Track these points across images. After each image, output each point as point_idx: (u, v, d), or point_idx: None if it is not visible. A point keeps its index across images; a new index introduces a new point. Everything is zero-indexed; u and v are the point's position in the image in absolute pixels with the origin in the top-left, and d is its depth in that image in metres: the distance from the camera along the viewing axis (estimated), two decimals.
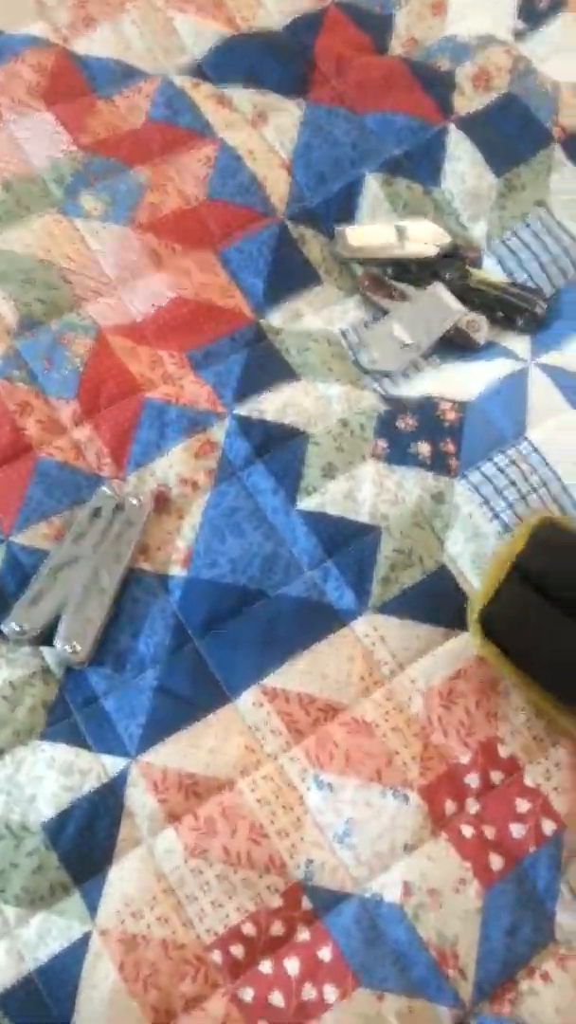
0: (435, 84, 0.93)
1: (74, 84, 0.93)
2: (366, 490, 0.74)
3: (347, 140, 0.90)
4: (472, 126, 0.91)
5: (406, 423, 0.76)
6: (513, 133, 0.91)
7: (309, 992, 0.59)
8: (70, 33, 0.96)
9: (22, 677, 0.67)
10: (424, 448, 0.75)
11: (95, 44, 0.95)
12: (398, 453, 0.75)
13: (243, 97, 0.93)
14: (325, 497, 0.73)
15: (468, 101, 0.93)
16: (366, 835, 0.63)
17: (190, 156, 0.89)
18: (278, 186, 0.88)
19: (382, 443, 0.76)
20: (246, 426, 0.77)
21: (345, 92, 0.93)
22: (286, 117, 0.92)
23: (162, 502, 0.74)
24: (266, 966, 0.60)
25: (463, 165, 0.89)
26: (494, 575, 0.68)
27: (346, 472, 0.75)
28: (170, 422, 0.77)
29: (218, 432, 0.77)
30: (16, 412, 0.76)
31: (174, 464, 0.75)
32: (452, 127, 0.91)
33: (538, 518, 0.71)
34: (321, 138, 0.90)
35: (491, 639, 0.67)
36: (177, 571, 0.71)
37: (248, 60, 0.95)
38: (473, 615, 0.68)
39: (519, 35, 0.97)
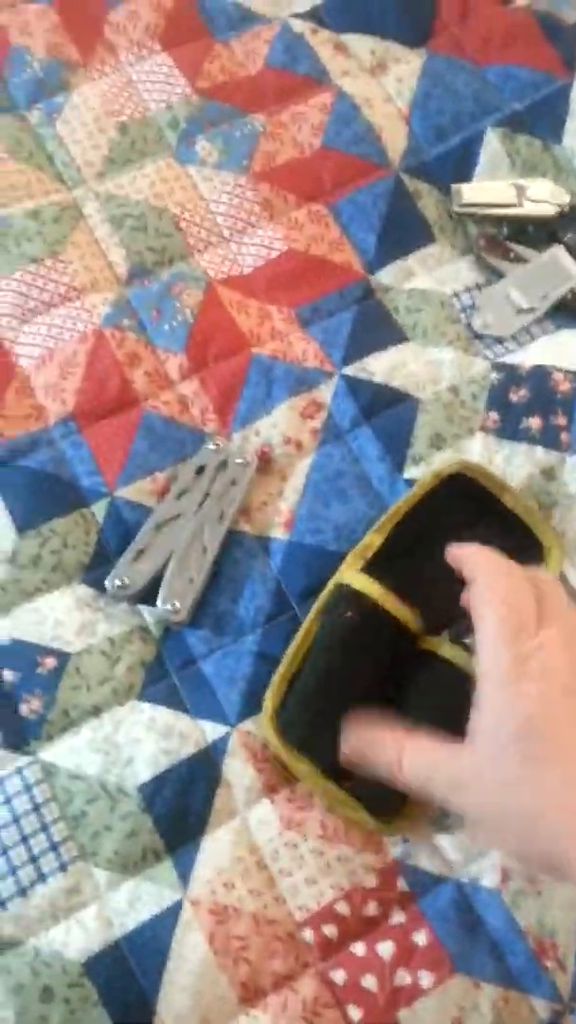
0: (560, 37, 0.83)
1: (193, 27, 0.84)
2: None
3: (468, 92, 0.80)
4: None
5: (519, 395, 0.68)
6: None
7: (403, 977, 0.53)
8: None
9: (121, 634, 0.61)
10: (535, 422, 0.67)
11: None
12: (509, 427, 0.67)
13: (362, 45, 0.83)
14: (432, 468, 0.66)
15: None
16: None
17: (306, 104, 0.80)
18: (395, 138, 0.79)
19: (494, 415, 0.68)
20: (354, 386, 0.69)
21: (467, 42, 0.83)
22: (406, 67, 0.82)
23: (265, 462, 0.67)
24: (359, 948, 0.54)
25: None
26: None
27: (454, 444, 0.67)
28: (277, 379, 0.69)
29: (325, 392, 0.69)
30: (125, 363, 0.69)
31: (279, 423, 0.68)
32: None
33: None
34: (441, 89, 0.80)
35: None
36: (279, 534, 0.64)
37: (368, 7, 0.84)
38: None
39: None
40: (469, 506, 0.64)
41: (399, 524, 0.63)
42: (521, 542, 0.63)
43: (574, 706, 0.46)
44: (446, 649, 0.59)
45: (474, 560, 0.52)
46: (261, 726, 0.59)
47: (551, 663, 0.46)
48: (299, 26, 0.84)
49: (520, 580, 0.50)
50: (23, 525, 0.65)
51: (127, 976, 0.53)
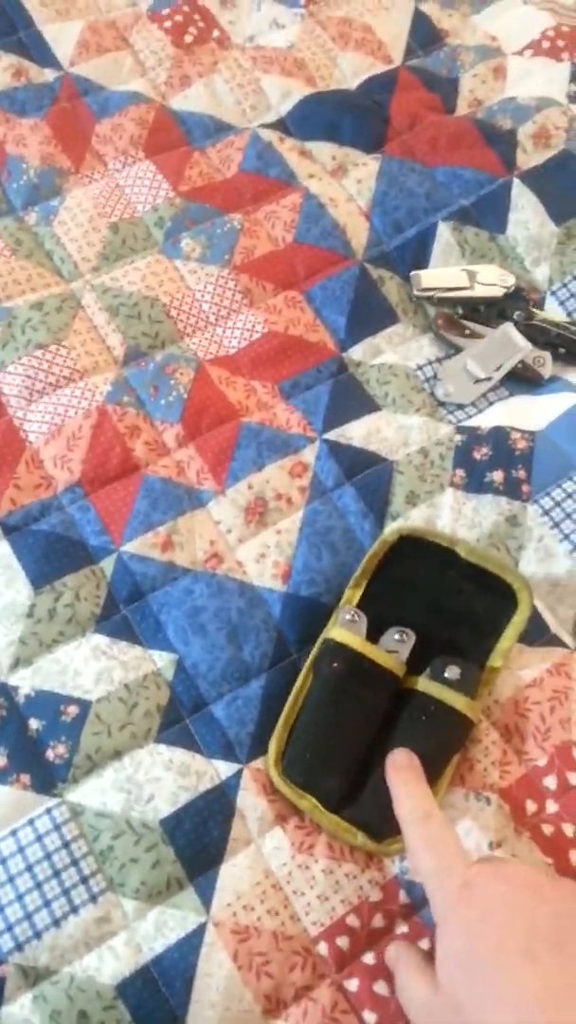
0: (499, 141, 0.89)
1: (172, 137, 0.89)
2: (445, 516, 0.70)
3: (420, 191, 0.85)
4: (533, 180, 0.86)
5: (481, 453, 0.72)
6: (570, 186, 0.86)
7: None
8: (167, 91, 0.91)
9: (135, 680, 0.63)
10: (498, 476, 0.71)
11: (190, 101, 0.91)
12: (475, 482, 0.71)
13: (324, 150, 0.89)
14: (409, 523, 0.69)
15: (529, 157, 0.88)
16: None
17: (278, 204, 0.85)
18: (358, 232, 0.84)
19: (460, 472, 0.71)
20: (335, 450, 0.72)
21: (417, 147, 0.88)
22: (363, 169, 0.87)
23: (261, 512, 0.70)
24: (369, 957, 0.56)
25: (526, 215, 0.85)
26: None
27: (427, 500, 0.71)
28: (265, 442, 0.73)
29: (309, 455, 0.72)
30: (126, 435, 0.72)
31: (271, 479, 0.71)
32: (515, 180, 0.86)
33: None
34: (396, 189, 0.86)
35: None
36: (277, 586, 0.67)
37: (327, 117, 0.90)
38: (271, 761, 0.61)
39: (573, 98, 0.93)
40: (431, 559, 0.67)
41: (371, 580, 0.66)
42: (491, 587, 0.66)
43: (512, 939, 0.46)
44: (424, 685, 0.62)
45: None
46: (266, 768, 0.61)
47: (483, 894, 0.48)
48: (268, 135, 0.89)
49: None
50: (38, 582, 0.67)
51: (157, 996, 0.55)
